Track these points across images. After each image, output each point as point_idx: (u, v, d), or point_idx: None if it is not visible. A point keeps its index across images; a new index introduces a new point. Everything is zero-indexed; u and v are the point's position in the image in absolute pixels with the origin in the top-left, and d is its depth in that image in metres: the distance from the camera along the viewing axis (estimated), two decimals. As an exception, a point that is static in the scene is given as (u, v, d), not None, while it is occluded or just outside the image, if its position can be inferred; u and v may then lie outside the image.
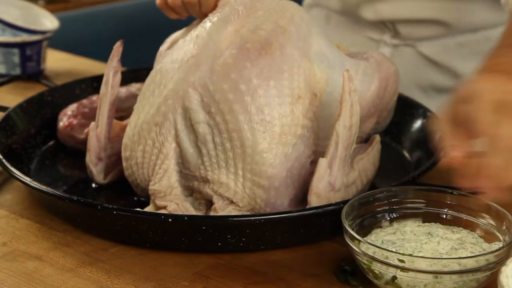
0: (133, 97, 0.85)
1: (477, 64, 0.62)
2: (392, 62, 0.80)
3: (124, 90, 0.88)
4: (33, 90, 0.95)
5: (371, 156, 0.74)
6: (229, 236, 0.64)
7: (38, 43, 1.09)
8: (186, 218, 0.64)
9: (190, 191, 0.70)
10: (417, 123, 0.85)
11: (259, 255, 0.65)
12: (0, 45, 1.08)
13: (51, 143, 0.86)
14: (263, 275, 0.63)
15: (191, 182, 0.69)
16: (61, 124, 0.85)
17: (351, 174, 0.69)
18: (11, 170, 0.70)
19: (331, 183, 0.67)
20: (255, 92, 0.66)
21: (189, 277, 0.62)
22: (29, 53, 1.09)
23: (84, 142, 0.81)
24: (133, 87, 0.90)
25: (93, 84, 0.93)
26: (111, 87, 0.75)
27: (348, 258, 0.64)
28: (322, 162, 0.66)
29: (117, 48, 0.74)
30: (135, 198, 0.74)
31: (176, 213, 0.66)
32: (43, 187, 0.67)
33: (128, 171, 0.72)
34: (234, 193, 0.67)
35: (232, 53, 0.68)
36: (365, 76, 0.74)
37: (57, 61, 1.18)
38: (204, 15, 0.74)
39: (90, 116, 0.85)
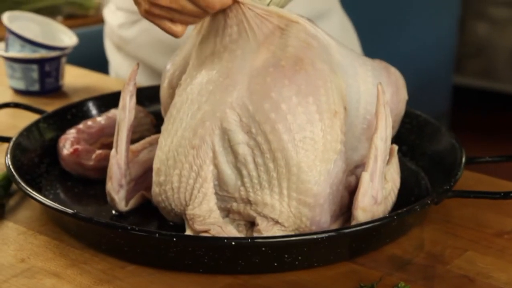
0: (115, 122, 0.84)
1: None
2: (393, 67, 0.79)
3: (104, 118, 0.87)
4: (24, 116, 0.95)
5: (395, 166, 0.74)
6: (286, 256, 0.63)
7: (57, 59, 1.10)
8: (249, 240, 0.63)
9: (226, 213, 0.69)
10: (430, 139, 0.85)
11: (276, 275, 0.64)
12: (20, 61, 1.08)
13: (54, 171, 0.83)
14: (280, 295, 0.62)
15: (229, 204, 0.69)
16: (65, 151, 0.82)
17: (386, 186, 0.70)
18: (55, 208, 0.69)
19: (374, 196, 0.67)
20: (296, 110, 0.66)
21: (206, 296, 0.62)
22: (48, 69, 1.09)
23: (93, 168, 0.80)
24: (111, 113, 0.89)
25: (83, 108, 0.92)
26: (128, 111, 0.73)
27: (366, 279, 0.64)
28: (365, 176, 0.67)
29: (134, 71, 0.73)
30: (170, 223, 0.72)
31: (220, 236, 0.65)
32: (101, 220, 0.66)
33: (161, 196, 0.70)
34: (280, 213, 0.66)
35: (269, 71, 0.67)
36: (376, 78, 0.74)
37: (74, 77, 1.18)
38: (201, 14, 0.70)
39: (91, 141, 0.84)
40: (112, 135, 0.80)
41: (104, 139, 0.87)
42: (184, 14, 0.68)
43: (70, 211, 0.67)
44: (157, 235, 0.63)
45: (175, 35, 0.70)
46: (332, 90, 0.68)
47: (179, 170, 0.68)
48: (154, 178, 0.70)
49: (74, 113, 0.91)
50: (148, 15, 0.69)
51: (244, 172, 0.67)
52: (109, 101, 0.94)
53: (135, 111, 0.88)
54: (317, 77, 0.68)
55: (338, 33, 1.11)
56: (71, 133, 0.85)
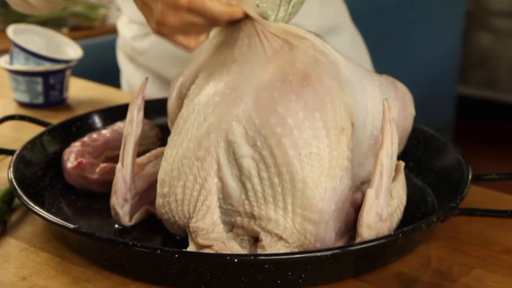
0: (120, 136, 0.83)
1: None
2: (400, 83, 0.79)
3: (109, 131, 0.87)
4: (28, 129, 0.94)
5: (401, 183, 0.73)
6: (289, 273, 0.62)
7: (61, 72, 1.09)
8: (252, 257, 0.62)
9: (230, 227, 0.69)
10: (436, 155, 0.84)
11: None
12: (24, 74, 1.08)
13: (58, 185, 0.82)
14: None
15: (233, 218, 0.68)
16: (69, 164, 0.81)
17: (392, 202, 0.69)
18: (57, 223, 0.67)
19: (379, 213, 0.66)
20: (302, 125, 0.66)
21: (211, 316, 0.61)
22: (52, 82, 1.09)
23: (97, 182, 0.79)
24: (116, 126, 0.88)
25: (88, 121, 0.92)
26: (136, 125, 0.73)
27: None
28: (371, 193, 0.66)
29: (142, 85, 0.72)
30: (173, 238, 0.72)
31: (223, 252, 0.65)
32: (102, 236, 0.65)
33: (164, 208, 0.69)
34: (284, 229, 0.66)
35: (276, 85, 0.67)
36: (383, 94, 0.73)
37: (79, 90, 1.17)
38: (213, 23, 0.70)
39: (95, 154, 0.83)
40: (117, 148, 0.80)
41: (109, 152, 0.86)
42: (195, 26, 0.69)
43: (71, 226, 0.66)
44: (158, 251, 0.62)
45: (188, 49, 0.71)
46: (339, 106, 0.67)
47: (183, 182, 0.67)
48: (158, 189, 0.70)
49: (79, 126, 0.91)
50: (158, 34, 0.70)
51: (249, 186, 0.66)
52: (114, 113, 0.93)
53: (141, 124, 0.88)
54: (324, 93, 0.67)
55: (348, 49, 1.11)
56: (76, 146, 0.84)
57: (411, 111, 0.77)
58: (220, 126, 0.66)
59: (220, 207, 0.67)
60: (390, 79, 0.77)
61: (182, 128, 0.69)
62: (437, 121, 2.23)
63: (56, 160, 0.84)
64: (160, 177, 0.70)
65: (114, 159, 0.83)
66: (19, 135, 0.96)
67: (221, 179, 0.67)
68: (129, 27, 1.16)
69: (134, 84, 1.18)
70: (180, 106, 0.74)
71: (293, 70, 0.68)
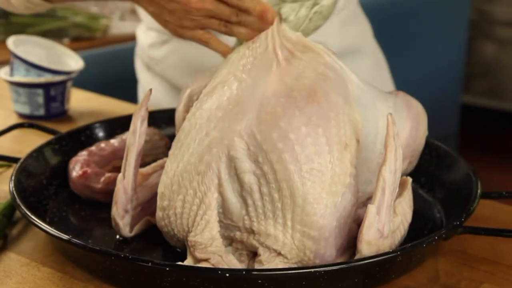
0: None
1: None
2: (417, 101, 0.78)
3: (118, 140, 0.87)
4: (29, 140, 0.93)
5: (408, 199, 0.72)
6: None
7: (62, 83, 1.09)
8: (244, 272, 0.61)
9: (229, 241, 0.68)
10: (448, 171, 0.83)
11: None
12: (25, 85, 1.07)
13: (63, 194, 0.82)
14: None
15: (232, 232, 0.67)
16: (74, 173, 0.81)
17: (395, 219, 0.68)
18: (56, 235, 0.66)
19: (380, 230, 0.65)
20: (304, 141, 0.65)
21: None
22: (53, 93, 1.08)
23: (101, 191, 0.79)
24: (126, 135, 0.87)
25: (97, 130, 0.91)
26: (139, 136, 0.72)
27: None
28: (371, 209, 0.65)
29: (146, 97, 0.72)
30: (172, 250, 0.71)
31: (219, 266, 0.64)
32: (96, 247, 0.64)
33: (164, 221, 0.69)
34: (283, 244, 0.65)
35: (280, 101, 0.66)
36: (396, 113, 0.72)
37: (80, 101, 1.17)
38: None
39: (102, 164, 0.83)
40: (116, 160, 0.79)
41: (117, 161, 0.86)
42: (217, 16, 0.71)
43: (65, 236, 0.65)
44: (150, 264, 0.61)
45: (208, 42, 0.74)
46: (344, 122, 0.67)
47: (183, 196, 0.67)
48: (158, 202, 0.69)
49: (88, 135, 0.90)
50: (179, 28, 0.72)
51: (249, 201, 0.66)
52: (125, 123, 0.91)
53: (151, 134, 0.88)
54: (329, 109, 0.67)
55: (370, 70, 1.10)
56: (82, 155, 0.84)
57: (423, 130, 0.76)
58: (222, 142, 0.66)
59: (220, 221, 0.67)
60: (406, 99, 0.76)
61: (183, 142, 0.69)
62: (442, 130, 2.22)
63: (63, 169, 0.84)
64: (160, 190, 0.69)
65: (122, 169, 0.82)
66: (20, 147, 0.95)
67: (221, 194, 0.66)
68: (147, 34, 1.16)
69: None
70: None
71: (299, 86, 0.67)
